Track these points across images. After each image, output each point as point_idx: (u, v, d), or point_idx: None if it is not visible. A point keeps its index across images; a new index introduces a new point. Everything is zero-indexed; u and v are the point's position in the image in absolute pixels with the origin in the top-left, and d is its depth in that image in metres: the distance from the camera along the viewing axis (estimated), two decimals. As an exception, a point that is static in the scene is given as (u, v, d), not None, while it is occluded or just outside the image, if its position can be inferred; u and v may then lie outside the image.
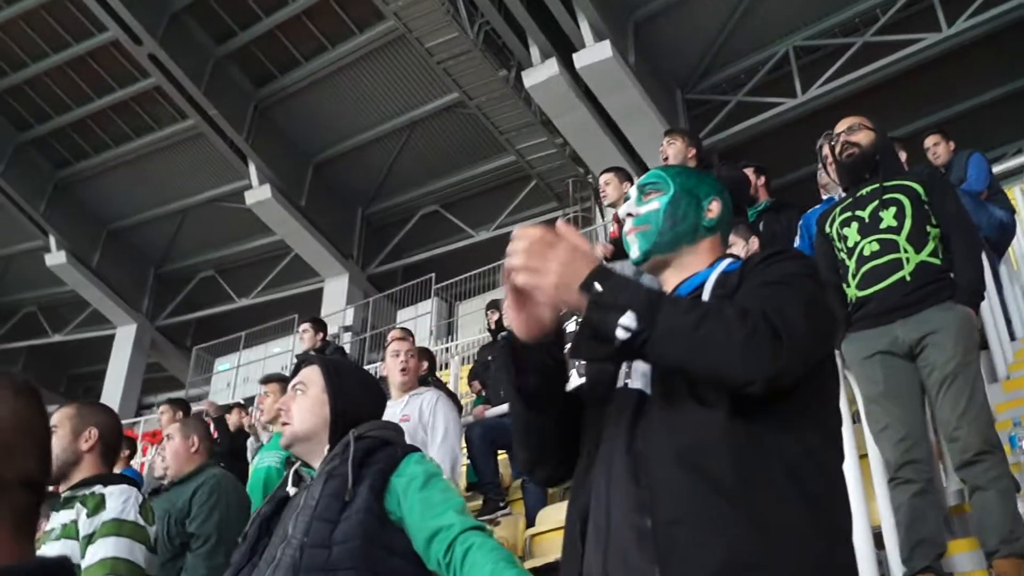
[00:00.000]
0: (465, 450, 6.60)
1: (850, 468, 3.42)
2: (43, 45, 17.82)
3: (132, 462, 7.14)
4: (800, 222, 5.49)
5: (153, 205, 20.57)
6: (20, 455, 1.12)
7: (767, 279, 1.63)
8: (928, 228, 3.72)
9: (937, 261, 3.68)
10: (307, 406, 2.48)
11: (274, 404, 5.44)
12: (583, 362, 4.00)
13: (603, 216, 15.14)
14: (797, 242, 5.56)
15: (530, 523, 5.83)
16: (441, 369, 13.37)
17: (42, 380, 23.58)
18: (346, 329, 17.78)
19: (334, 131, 18.04)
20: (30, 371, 23.99)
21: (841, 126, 4.02)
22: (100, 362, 22.24)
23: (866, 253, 3.76)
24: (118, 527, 2.82)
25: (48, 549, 2.82)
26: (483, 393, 7.88)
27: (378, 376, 9.49)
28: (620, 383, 1.75)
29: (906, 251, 3.68)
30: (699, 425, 1.54)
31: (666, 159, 5.54)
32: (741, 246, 4.91)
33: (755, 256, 1.77)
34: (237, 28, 16.76)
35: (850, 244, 3.84)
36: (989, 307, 5.43)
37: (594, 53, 12.58)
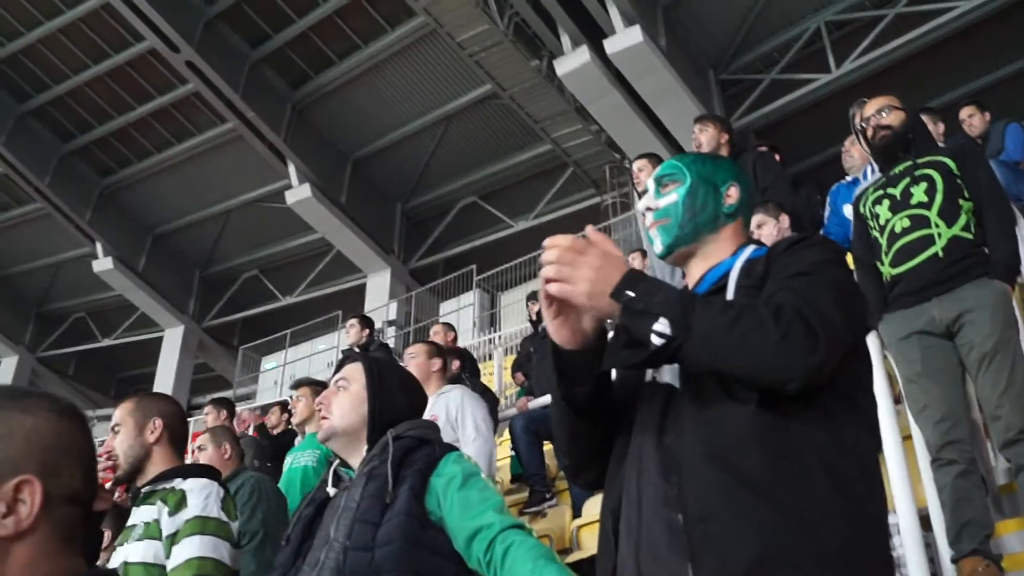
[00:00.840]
0: (509, 442, 6.62)
1: (893, 450, 3.39)
2: (83, 57, 18.03)
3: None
4: (828, 198, 5.48)
5: (196, 208, 20.74)
6: (65, 473, 1.17)
7: (796, 269, 1.62)
8: (960, 202, 3.66)
9: (970, 236, 3.62)
10: (347, 402, 2.50)
11: (306, 407, 5.53)
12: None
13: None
14: (827, 212, 5.55)
15: (577, 514, 5.80)
16: (484, 360, 13.41)
17: (92, 384, 24.04)
18: (390, 323, 17.84)
19: (371, 128, 18.07)
20: (80, 376, 24.45)
21: (870, 108, 3.97)
22: (149, 364, 22.47)
23: (897, 230, 3.72)
24: (202, 525, 2.75)
25: (131, 549, 2.78)
26: (526, 384, 7.88)
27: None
28: (648, 377, 1.74)
29: (937, 226, 3.62)
30: (729, 419, 1.53)
31: (699, 146, 5.52)
32: (772, 225, 4.84)
33: (780, 243, 1.75)
34: (271, 31, 16.83)
35: (882, 222, 3.79)
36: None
37: (625, 39, 12.48)
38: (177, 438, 3.09)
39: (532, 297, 8.84)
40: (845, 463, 1.52)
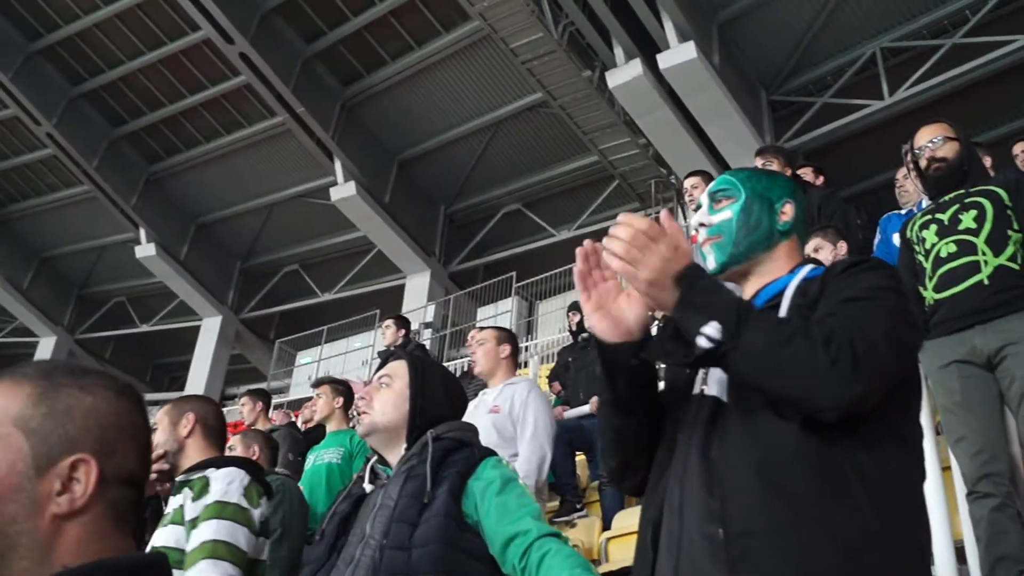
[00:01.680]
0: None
1: (932, 481, 3.35)
2: (138, 43, 18.28)
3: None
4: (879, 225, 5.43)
5: (240, 200, 20.90)
6: (121, 453, 1.16)
7: (850, 294, 1.59)
8: (1009, 232, 3.60)
9: (1016, 267, 3.55)
10: (390, 399, 2.51)
11: (326, 405, 5.53)
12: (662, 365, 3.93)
13: (686, 217, 15.00)
14: (877, 239, 5.49)
15: (606, 526, 5.77)
16: (521, 368, 13.38)
17: (128, 369, 24.24)
18: (427, 326, 17.84)
19: (419, 129, 18.12)
20: (117, 360, 24.71)
21: (922, 138, 3.90)
22: (185, 353, 22.67)
23: (943, 255, 3.67)
24: (220, 509, 2.80)
25: (158, 535, 2.86)
26: (562, 394, 7.86)
27: (459, 374, 9.52)
28: (696, 389, 1.73)
29: (984, 253, 3.57)
30: (775, 436, 1.52)
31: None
32: (829, 250, 4.79)
33: (837, 265, 1.73)
34: (325, 28, 16.94)
35: (928, 246, 3.75)
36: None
37: (678, 54, 12.46)
38: (212, 433, 3.17)
39: (573, 308, 8.74)
40: (889, 490, 1.51)
